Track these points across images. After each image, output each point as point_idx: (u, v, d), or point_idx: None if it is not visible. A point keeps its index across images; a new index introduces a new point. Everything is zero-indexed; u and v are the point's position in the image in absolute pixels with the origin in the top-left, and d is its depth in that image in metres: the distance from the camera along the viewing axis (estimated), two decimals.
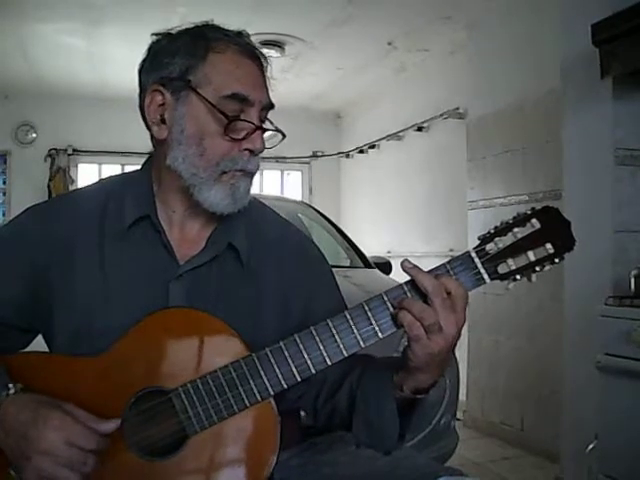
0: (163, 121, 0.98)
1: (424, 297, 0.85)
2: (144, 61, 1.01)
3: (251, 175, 0.99)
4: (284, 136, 1.02)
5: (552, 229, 0.87)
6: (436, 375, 0.89)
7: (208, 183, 0.96)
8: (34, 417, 0.84)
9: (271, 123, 1.02)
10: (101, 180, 1.13)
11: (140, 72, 1.02)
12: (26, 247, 0.99)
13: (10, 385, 0.88)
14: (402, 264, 0.86)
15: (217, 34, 0.97)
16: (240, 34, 0.99)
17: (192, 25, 1.00)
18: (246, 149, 0.96)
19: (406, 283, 0.87)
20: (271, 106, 1.01)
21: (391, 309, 0.87)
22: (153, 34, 1.01)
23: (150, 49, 1.00)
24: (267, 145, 1.00)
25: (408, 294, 0.86)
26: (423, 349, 0.84)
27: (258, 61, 1.00)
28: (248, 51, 0.98)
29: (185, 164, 0.96)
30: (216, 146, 0.95)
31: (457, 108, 4.48)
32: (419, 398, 0.91)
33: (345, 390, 0.99)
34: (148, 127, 1.01)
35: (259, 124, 0.97)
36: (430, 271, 0.87)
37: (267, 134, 1.01)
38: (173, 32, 1.00)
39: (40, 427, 0.82)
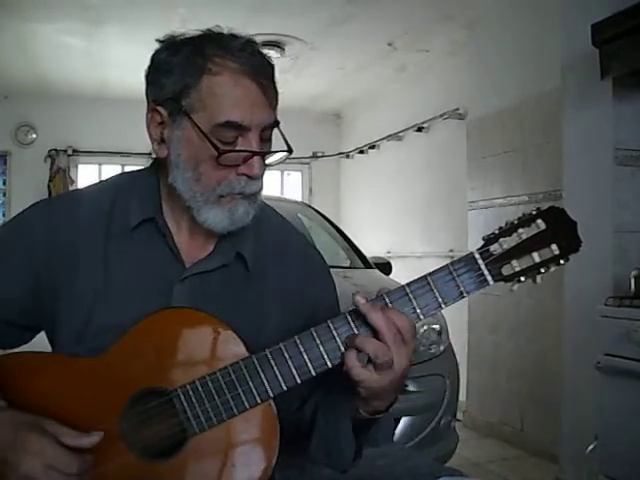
0: (163, 140, 0.96)
1: (370, 327, 0.83)
2: (148, 68, 0.99)
3: (251, 196, 0.96)
4: (291, 152, 0.99)
5: (558, 230, 0.86)
6: (391, 399, 0.88)
7: (206, 206, 0.94)
8: (13, 440, 0.82)
9: (281, 133, 0.98)
10: (107, 179, 1.11)
11: (146, 79, 0.99)
12: (29, 245, 0.99)
13: None
14: (354, 297, 0.83)
15: (217, 50, 0.92)
16: (246, 44, 0.94)
17: (196, 33, 0.95)
18: (243, 174, 0.93)
19: (350, 313, 0.86)
20: (275, 124, 0.96)
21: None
22: (156, 40, 0.97)
23: (152, 59, 0.98)
24: (270, 161, 0.97)
25: (352, 324, 0.85)
26: (373, 384, 0.83)
27: (260, 77, 0.93)
28: (249, 68, 0.92)
29: (183, 186, 0.95)
30: (211, 172, 0.93)
31: (457, 108, 4.48)
32: (377, 418, 0.90)
33: (311, 404, 0.99)
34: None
35: (257, 148, 0.93)
36: (431, 274, 0.86)
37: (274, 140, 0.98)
38: (177, 39, 0.96)
39: (19, 451, 0.81)
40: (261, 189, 0.97)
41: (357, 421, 0.91)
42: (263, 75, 0.94)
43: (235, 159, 0.92)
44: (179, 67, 0.92)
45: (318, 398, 0.98)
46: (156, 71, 0.96)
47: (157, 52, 0.97)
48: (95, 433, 0.85)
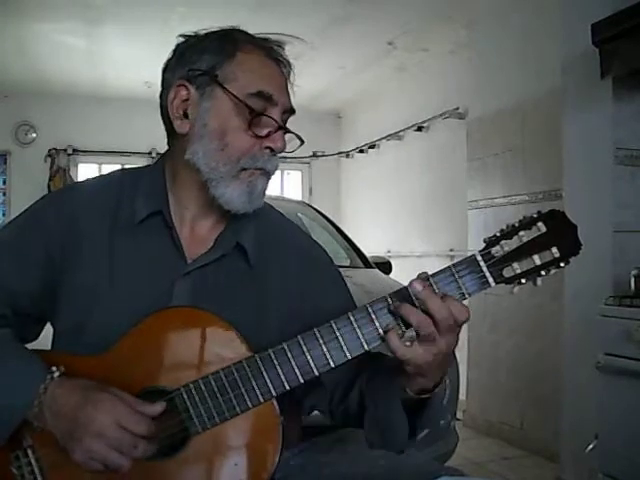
0: (186, 116, 0.99)
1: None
2: (169, 60, 1.03)
3: (269, 175, 1.00)
4: (302, 142, 1.02)
5: (558, 233, 0.86)
6: (437, 377, 0.89)
7: (226, 179, 0.96)
8: (84, 400, 0.84)
9: (286, 127, 1.02)
10: (110, 174, 1.13)
11: (164, 70, 1.03)
12: (42, 235, 1.00)
13: (53, 368, 0.89)
14: (413, 285, 0.84)
15: (245, 37, 1.00)
16: (266, 39, 1.02)
17: (219, 28, 1.02)
18: (267, 147, 0.97)
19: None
20: (292, 111, 1.02)
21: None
22: (180, 35, 1.03)
23: (177, 49, 1.02)
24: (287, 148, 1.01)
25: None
26: (418, 360, 0.84)
27: (282, 66, 1.02)
28: (273, 55, 1.01)
29: (205, 158, 0.97)
30: (238, 142, 0.96)
31: (457, 108, 4.48)
32: (425, 397, 0.91)
33: (356, 391, 1.00)
34: (168, 122, 1.02)
35: (282, 124, 0.99)
36: (433, 276, 0.86)
37: (286, 137, 1.01)
38: (200, 34, 1.02)
39: (90, 409, 0.83)
40: (276, 169, 1.01)
41: (408, 403, 0.92)
42: (284, 64, 1.02)
43: (263, 128, 0.96)
44: (212, 46, 0.98)
45: (362, 386, 0.99)
46: (183, 55, 1.01)
47: (183, 42, 1.02)
48: (159, 403, 0.86)
